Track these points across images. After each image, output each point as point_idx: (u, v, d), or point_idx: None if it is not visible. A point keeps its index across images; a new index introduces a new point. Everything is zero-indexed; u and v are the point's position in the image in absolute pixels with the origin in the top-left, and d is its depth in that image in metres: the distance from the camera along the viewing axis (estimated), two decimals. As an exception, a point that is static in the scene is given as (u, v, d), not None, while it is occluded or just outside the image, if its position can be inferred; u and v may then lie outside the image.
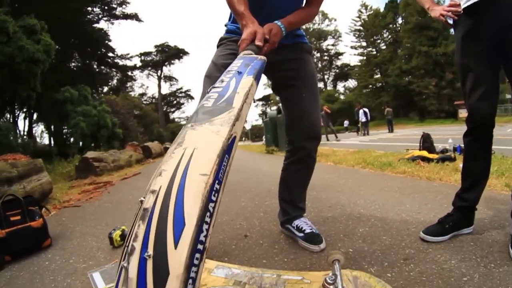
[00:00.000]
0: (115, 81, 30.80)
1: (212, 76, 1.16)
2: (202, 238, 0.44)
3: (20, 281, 1.37)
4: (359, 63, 39.22)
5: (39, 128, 21.18)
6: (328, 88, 44.66)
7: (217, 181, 0.50)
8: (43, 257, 1.65)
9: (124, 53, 29.90)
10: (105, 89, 28.47)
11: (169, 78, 46.66)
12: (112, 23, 24.00)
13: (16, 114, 15.33)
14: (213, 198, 0.48)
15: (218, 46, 1.33)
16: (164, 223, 0.43)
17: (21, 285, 1.32)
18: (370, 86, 36.17)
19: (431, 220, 1.47)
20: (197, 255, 0.43)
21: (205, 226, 0.45)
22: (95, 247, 1.74)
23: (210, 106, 0.62)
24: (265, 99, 48.81)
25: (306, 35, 1.43)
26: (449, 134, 7.15)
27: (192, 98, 48.70)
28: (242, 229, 1.75)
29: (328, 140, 12.01)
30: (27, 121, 16.74)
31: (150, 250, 0.41)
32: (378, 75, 35.95)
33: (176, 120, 49.74)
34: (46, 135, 18.00)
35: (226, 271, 1.06)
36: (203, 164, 0.49)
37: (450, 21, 1.25)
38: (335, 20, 50.23)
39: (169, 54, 42.59)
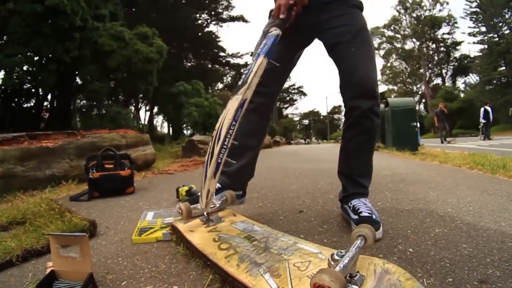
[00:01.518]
0: (229, 79, 33.53)
1: (259, 43, 1.29)
2: (225, 143, 0.92)
3: (96, 207, 1.69)
4: (480, 53, 32.07)
5: (159, 119, 25.26)
6: (447, 84, 38.32)
7: (234, 121, 0.94)
8: (122, 198, 1.95)
9: (235, 52, 32.24)
10: (220, 86, 31.53)
11: (282, 75, 48.50)
12: (221, 26, 26.32)
13: (139, 106, 18.89)
14: (232, 128, 0.94)
15: (269, 17, 1.39)
16: (215, 139, 0.92)
17: (96, 209, 1.63)
18: (494, 81, 29.02)
19: (543, 239, 1.01)
20: (223, 151, 0.92)
21: (227, 140, 0.92)
22: (164, 198, 1.94)
23: (240, 83, 1.00)
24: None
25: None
26: None
27: (305, 94, 48.95)
28: (303, 205, 1.64)
29: (442, 142, 10.66)
30: (148, 112, 20.35)
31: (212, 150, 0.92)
32: (503, 68, 28.47)
33: (289, 116, 51.11)
34: (165, 126, 21.33)
35: (246, 226, 1.01)
36: (230, 115, 0.94)
37: None
38: (447, 3, 41.51)
39: (280, 52, 44.09)
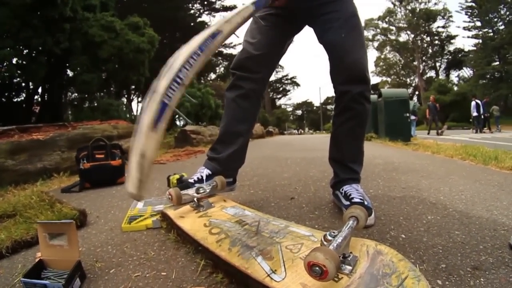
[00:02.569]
0: (222, 69, 33.25)
1: (250, 28, 1.34)
2: (179, 76, 0.69)
3: (87, 198, 1.67)
4: (474, 48, 32.50)
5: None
6: (441, 77, 38.38)
7: (199, 50, 0.76)
8: (113, 188, 1.93)
9: (227, 42, 31.88)
10: (213, 76, 31.28)
11: (275, 66, 48.70)
12: (214, 16, 26.10)
13: (131, 98, 18.86)
14: (194, 57, 0.75)
15: None
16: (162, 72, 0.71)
17: (87, 200, 1.61)
18: (488, 75, 29.40)
19: (534, 226, 1.00)
20: (173, 86, 0.68)
21: (183, 71, 0.71)
22: (155, 187, 1.92)
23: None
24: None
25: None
26: None
27: (297, 85, 48.89)
28: (294, 192, 1.63)
29: (438, 134, 10.86)
30: (140, 104, 20.28)
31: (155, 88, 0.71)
32: (497, 63, 28.75)
33: (282, 106, 51.08)
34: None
35: (237, 211, 1.00)
36: (195, 43, 0.77)
37: None
38: (443, -3, 42.35)
39: (273, 43, 43.84)
